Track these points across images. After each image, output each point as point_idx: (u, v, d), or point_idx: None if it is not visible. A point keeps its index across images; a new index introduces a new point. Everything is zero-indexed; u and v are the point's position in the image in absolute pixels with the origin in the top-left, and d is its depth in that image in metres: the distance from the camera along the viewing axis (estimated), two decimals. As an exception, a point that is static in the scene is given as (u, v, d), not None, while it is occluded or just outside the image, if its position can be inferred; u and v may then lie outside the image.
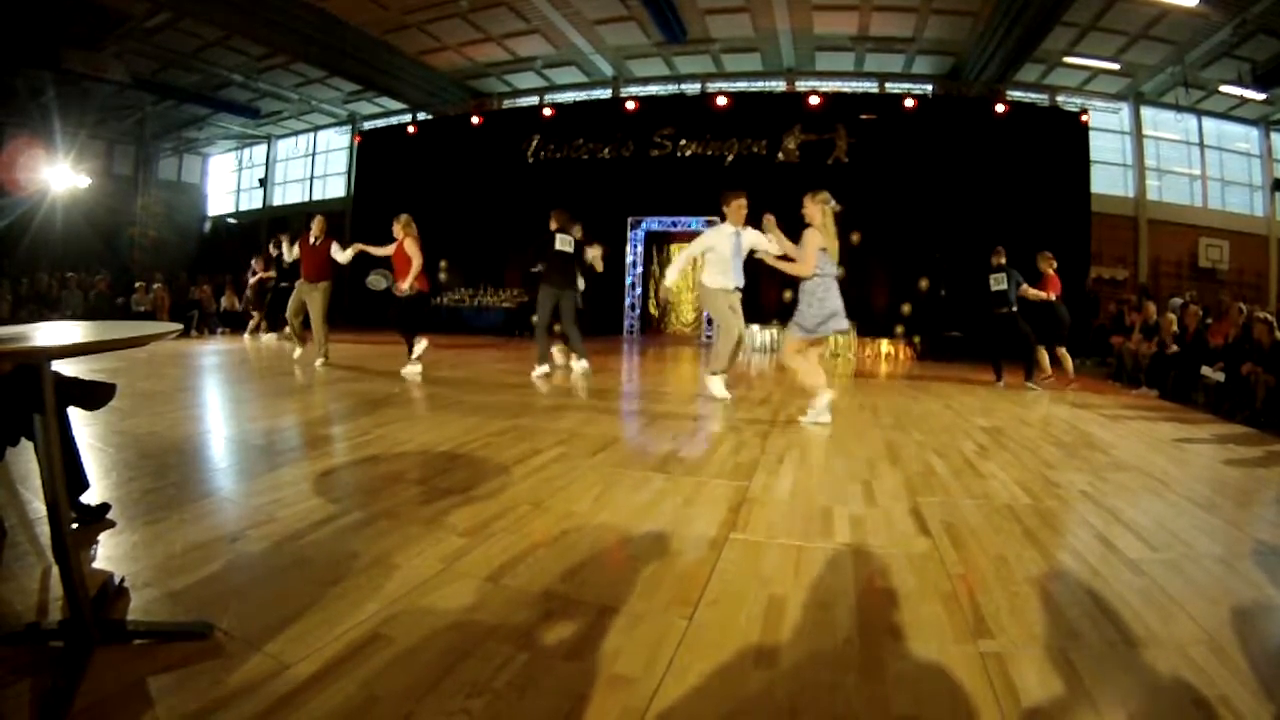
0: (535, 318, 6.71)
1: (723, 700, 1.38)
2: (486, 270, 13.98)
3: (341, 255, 6.78)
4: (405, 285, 6.37)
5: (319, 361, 6.73)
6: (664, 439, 3.87)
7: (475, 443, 3.55)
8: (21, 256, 12.56)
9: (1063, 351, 7.28)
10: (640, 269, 13.05)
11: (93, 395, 2.03)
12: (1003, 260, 7.15)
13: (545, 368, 6.51)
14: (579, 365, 6.69)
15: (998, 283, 7.07)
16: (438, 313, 13.79)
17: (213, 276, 13.12)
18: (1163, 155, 12.93)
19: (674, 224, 12.39)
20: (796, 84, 13.16)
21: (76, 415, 2.18)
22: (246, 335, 10.51)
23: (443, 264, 14.35)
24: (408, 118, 15.71)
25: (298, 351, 7.18)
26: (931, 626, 1.71)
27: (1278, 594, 2.01)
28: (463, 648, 1.52)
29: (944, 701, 1.40)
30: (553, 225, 6.47)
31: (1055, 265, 7.16)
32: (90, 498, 2.25)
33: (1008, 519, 2.62)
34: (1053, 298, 7.11)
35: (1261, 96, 11.10)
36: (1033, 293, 7.08)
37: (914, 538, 2.37)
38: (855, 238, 11.78)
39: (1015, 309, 7.04)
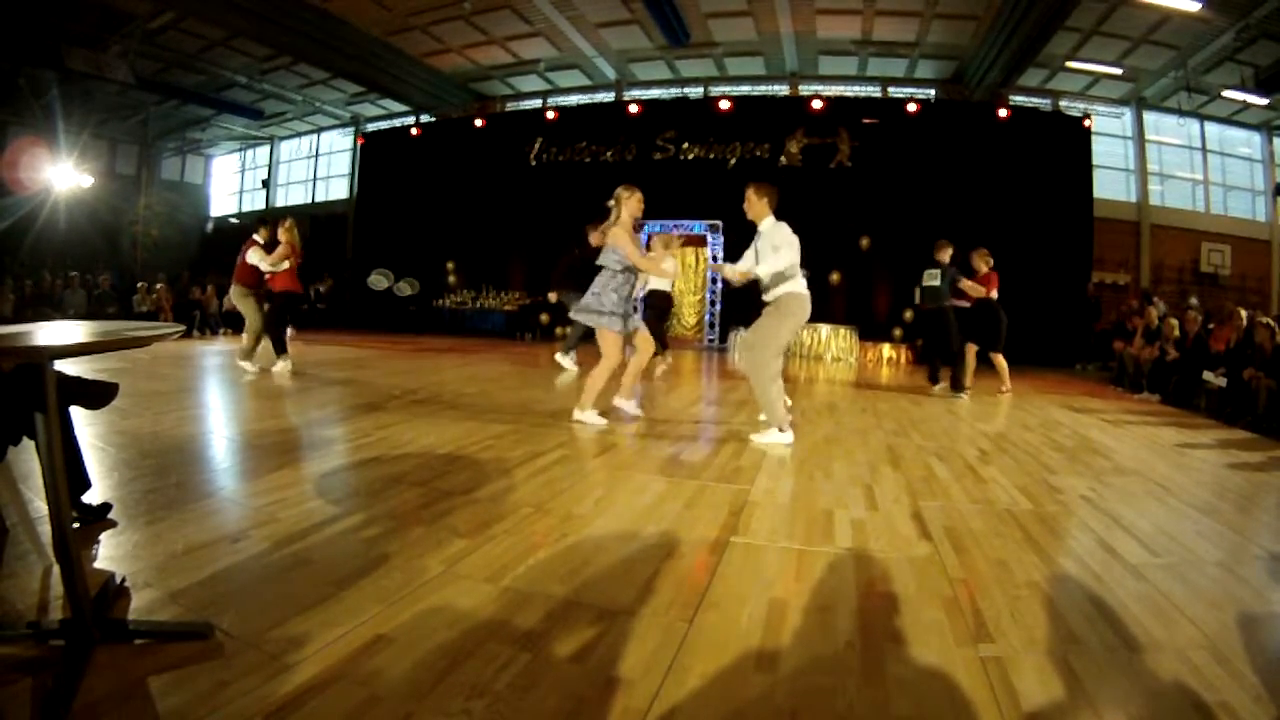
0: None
1: (723, 703, 1.38)
2: (489, 272, 14.00)
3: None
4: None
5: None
6: (665, 442, 3.87)
7: (476, 445, 3.55)
8: (24, 256, 12.60)
9: (998, 357, 6.75)
10: (642, 272, 13.06)
11: (95, 395, 2.03)
12: (945, 256, 6.69)
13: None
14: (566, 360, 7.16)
15: (930, 278, 6.69)
16: (440, 315, 13.83)
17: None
18: (1165, 160, 12.93)
19: (675, 227, 12.38)
20: (799, 88, 13.19)
21: (78, 414, 2.19)
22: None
23: (450, 265, 14.38)
24: (411, 120, 15.75)
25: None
26: (932, 631, 1.71)
27: (1279, 599, 2.01)
28: (464, 649, 1.52)
29: (944, 706, 1.40)
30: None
31: (991, 262, 6.69)
32: (92, 497, 2.26)
33: (1009, 523, 2.61)
34: (992, 295, 6.58)
35: (1264, 101, 11.09)
36: (970, 285, 6.53)
37: (915, 542, 2.37)
38: (865, 242, 11.80)
39: (945, 305, 6.64)
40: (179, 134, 17.41)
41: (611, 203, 4.33)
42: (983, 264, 6.69)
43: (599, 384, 4.25)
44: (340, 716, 1.27)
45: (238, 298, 6.30)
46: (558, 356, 7.20)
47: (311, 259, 10.07)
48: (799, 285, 4.04)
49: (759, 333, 4.05)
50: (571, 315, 4.40)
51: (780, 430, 3.93)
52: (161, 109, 15.73)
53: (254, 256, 6.16)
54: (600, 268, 4.30)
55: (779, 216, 4.12)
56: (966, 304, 6.74)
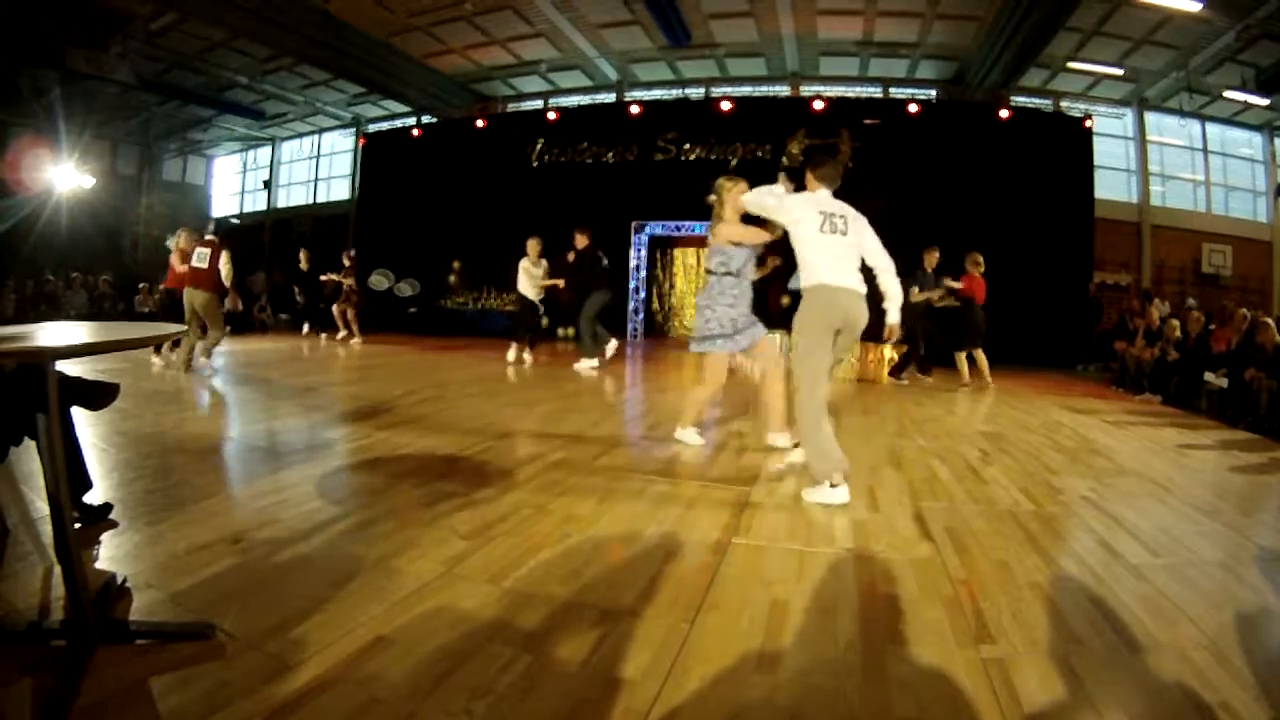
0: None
1: (724, 704, 1.38)
2: (491, 273, 13.97)
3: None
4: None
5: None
6: (667, 443, 3.86)
7: (477, 446, 3.55)
8: (26, 256, 12.60)
9: (979, 354, 7.36)
10: (644, 273, 13.05)
11: (96, 395, 2.03)
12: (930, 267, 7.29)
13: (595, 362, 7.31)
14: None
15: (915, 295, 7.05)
16: (441, 315, 13.83)
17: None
18: (1166, 160, 12.92)
19: (677, 228, 12.39)
20: (800, 89, 13.18)
21: (80, 415, 2.19)
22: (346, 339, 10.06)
23: (456, 265, 14.39)
24: (412, 120, 15.75)
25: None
26: (934, 631, 1.70)
27: (1279, 600, 2.00)
28: (465, 650, 1.52)
29: (946, 706, 1.40)
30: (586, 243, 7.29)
31: (982, 269, 7.25)
32: (93, 498, 2.26)
33: (1010, 524, 2.61)
34: (974, 297, 7.21)
35: (1265, 102, 11.08)
36: (950, 283, 7.21)
37: (916, 543, 2.37)
38: None
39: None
40: (180, 135, 17.42)
41: (712, 197, 3.69)
42: (973, 268, 7.25)
43: (701, 404, 3.88)
44: (341, 717, 1.27)
45: (213, 305, 6.37)
46: (577, 367, 7.24)
47: (312, 260, 10.15)
48: (813, 274, 3.23)
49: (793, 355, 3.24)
50: (692, 349, 3.74)
51: (831, 485, 2.80)
52: (163, 110, 15.74)
53: (224, 263, 6.29)
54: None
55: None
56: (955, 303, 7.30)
